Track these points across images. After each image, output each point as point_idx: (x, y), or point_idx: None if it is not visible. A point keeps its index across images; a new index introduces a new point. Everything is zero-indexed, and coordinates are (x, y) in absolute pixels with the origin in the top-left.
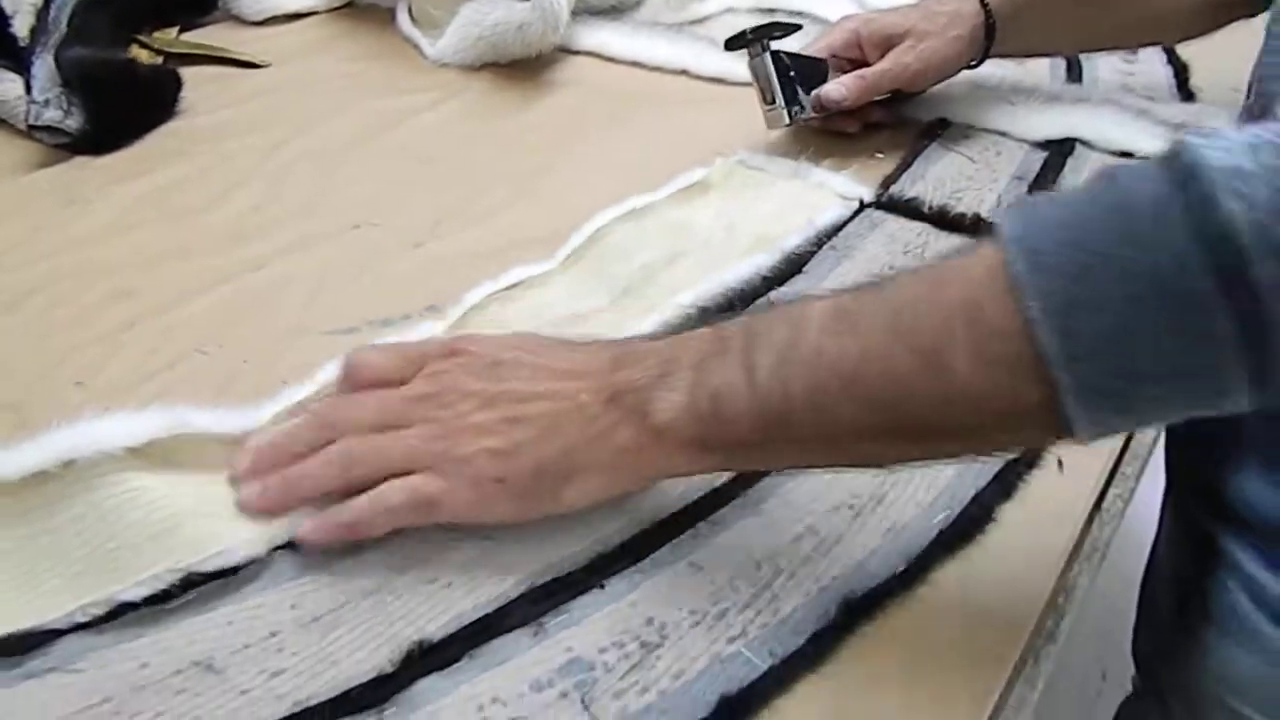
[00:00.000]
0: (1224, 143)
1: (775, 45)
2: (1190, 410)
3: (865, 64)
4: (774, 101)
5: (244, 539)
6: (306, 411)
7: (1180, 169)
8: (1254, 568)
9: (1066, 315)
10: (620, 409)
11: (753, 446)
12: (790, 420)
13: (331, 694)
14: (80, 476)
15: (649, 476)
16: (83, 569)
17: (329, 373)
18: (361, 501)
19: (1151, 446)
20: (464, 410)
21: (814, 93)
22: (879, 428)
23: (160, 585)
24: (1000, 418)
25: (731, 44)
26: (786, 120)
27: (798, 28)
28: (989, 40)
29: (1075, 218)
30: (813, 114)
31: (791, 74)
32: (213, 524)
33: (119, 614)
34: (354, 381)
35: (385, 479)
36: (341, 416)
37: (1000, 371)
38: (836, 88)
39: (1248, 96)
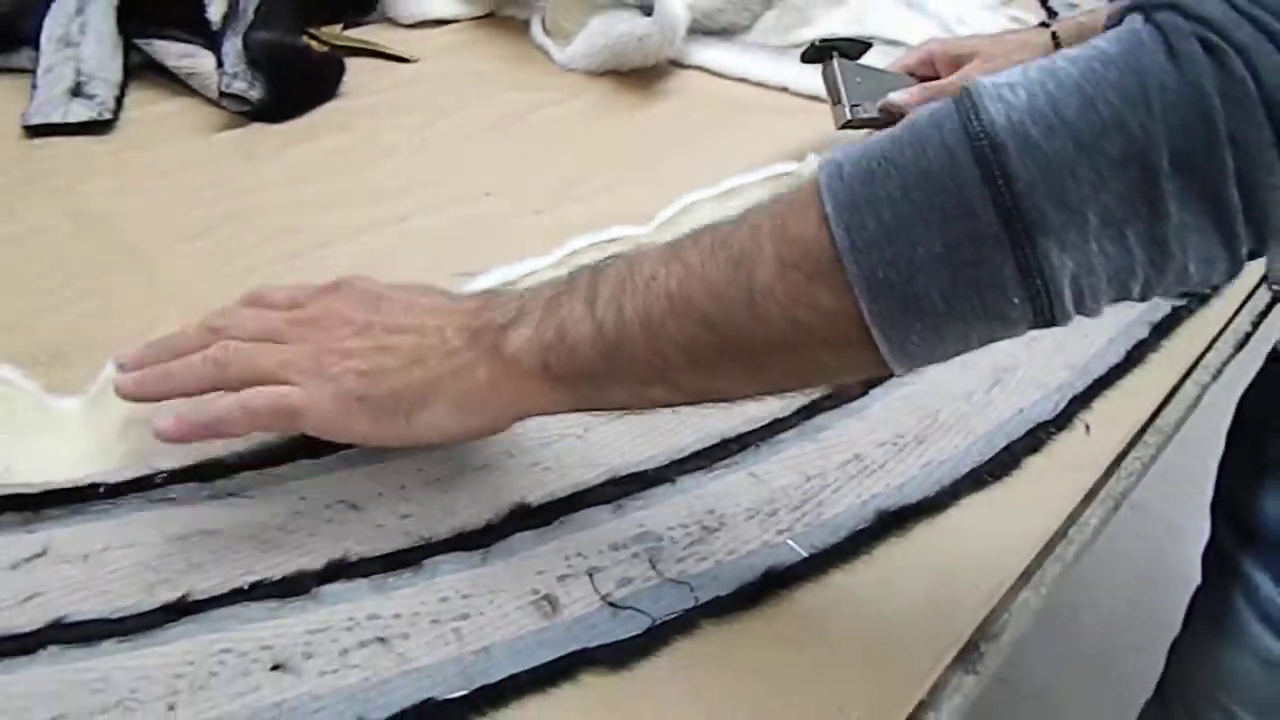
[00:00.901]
0: (1006, 73)
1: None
2: (974, 310)
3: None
4: (839, 101)
5: None
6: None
7: (963, 92)
8: (1252, 570)
9: (852, 211)
10: (479, 347)
11: (595, 376)
12: (624, 345)
13: (449, 534)
14: None
15: (502, 414)
16: None
17: None
18: (226, 401)
19: (1178, 423)
20: (339, 335)
21: (881, 100)
22: (703, 344)
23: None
24: (806, 326)
25: (806, 57)
26: (847, 115)
27: (868, 45)
28: None
29: (878, 142)
30: (877, 115)
31: (858, 80)
32: None
33: (278, 458)
34: (248, 303)
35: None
36: (226, 324)
37: (798, 273)
38: (901, 94)
39: None
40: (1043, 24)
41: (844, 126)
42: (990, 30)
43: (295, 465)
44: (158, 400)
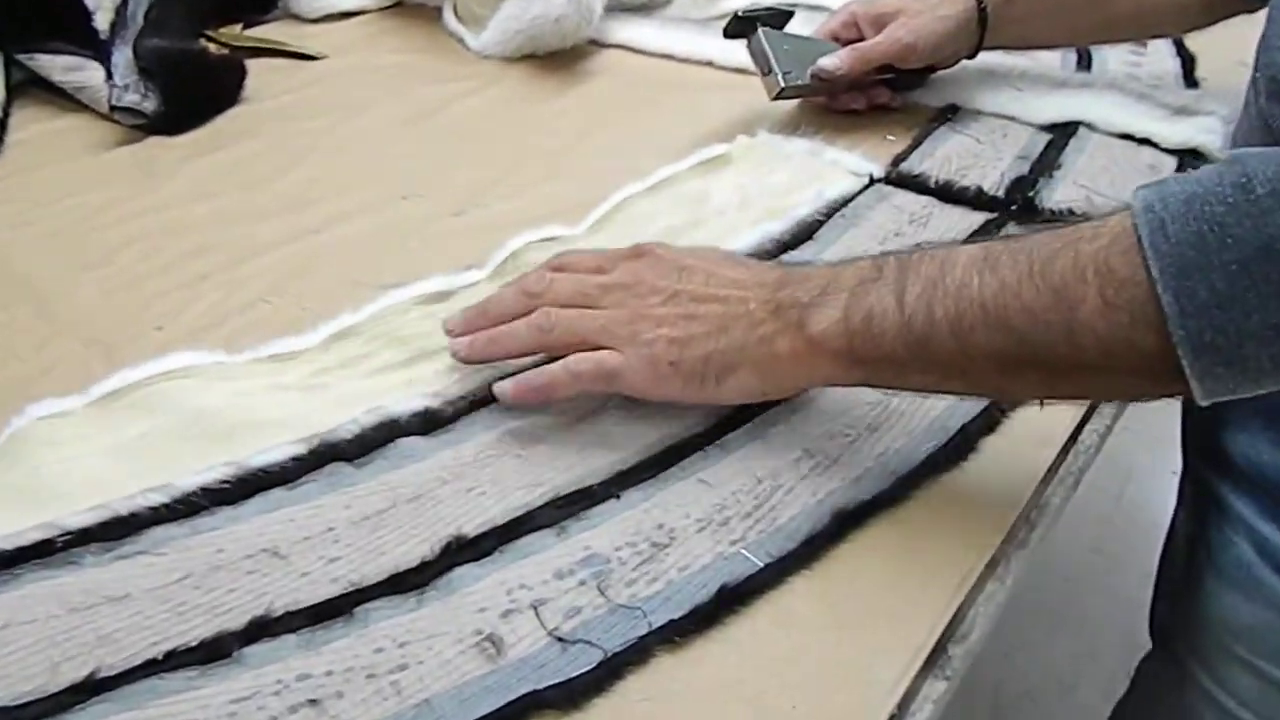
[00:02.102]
0: None
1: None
2: None
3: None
4: (770, 71)
5: (288, 440)
6: (512, 285)
7: None
8: (1258, 521)
9: (1183, 277)
10: (782, 320)
11: (897, 364)
12: (931, 342)
13: (380, 577)
14: (148, 399)
15: (800, 383)
16: (150, 465)
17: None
18: (554, 367)
19: None
20: (651, 302)
21: (812, 67)
22: (1011, 356)
23: (216, 476)
24: (1121, 359)
25: (729, 31)
26: (781, 83)
27: (790, 14)
28: (982, 28)
29: (1200, 192)
30: (810, 82)
31: (786, 48)
32: (261, 430)
33: (192, 509)
34: (556, 269)
35: (573, 352)
36: (543, 289)
37: (1122, 315)
38: (831, 59)
39: (1254, 69)
40: None
41: (778, 97)
42: None
43: (211, 514)
44: (487, 361)
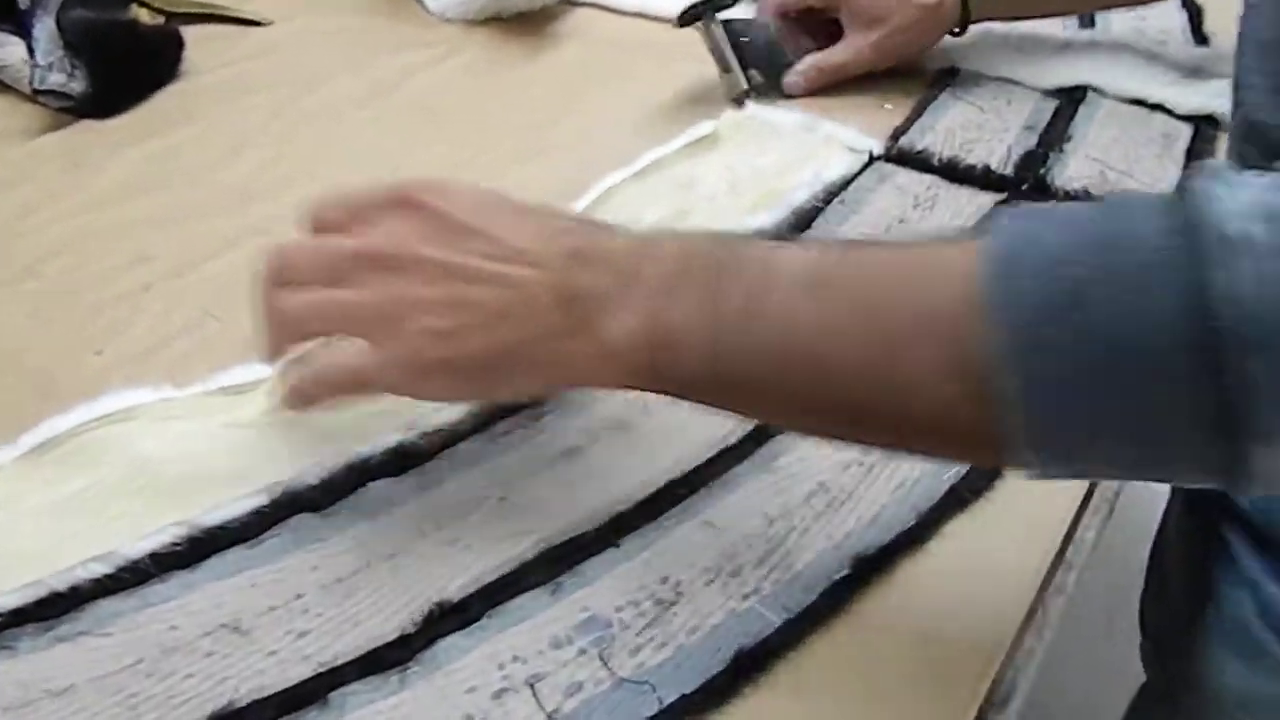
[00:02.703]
0: (1242, 197)
1: (726, 15)
2: (1147, 478)
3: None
4: (729, 69)
5: (243, 493)
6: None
7: (1185, 218)
8: (1265, 582)
9: (1031, 356)
10: (572, 315)
11: (702, 389)
12: (743, 375)
13: (356, 654)
14: (85, 449)
15: (597, 386)
16: (91, 527)
17: None
18: (305, 376)
19: None
20: (414, 281)
21: (785, 82)
22: (827, 402)
23: (166, 539)
24: (948, 430)
25: (684, 20)
26: (744, 85)
27: None
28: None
29: (1066, 245)
30: (765, 81)
31: (745, 39)
32: (214, 481)
33: (140, 577)
34: (305, 227)
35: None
36: (279, 267)
37: (953, 386)
38: (795, 80)
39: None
40: None
41: (737, 98)
42: None
43: (162, 580)
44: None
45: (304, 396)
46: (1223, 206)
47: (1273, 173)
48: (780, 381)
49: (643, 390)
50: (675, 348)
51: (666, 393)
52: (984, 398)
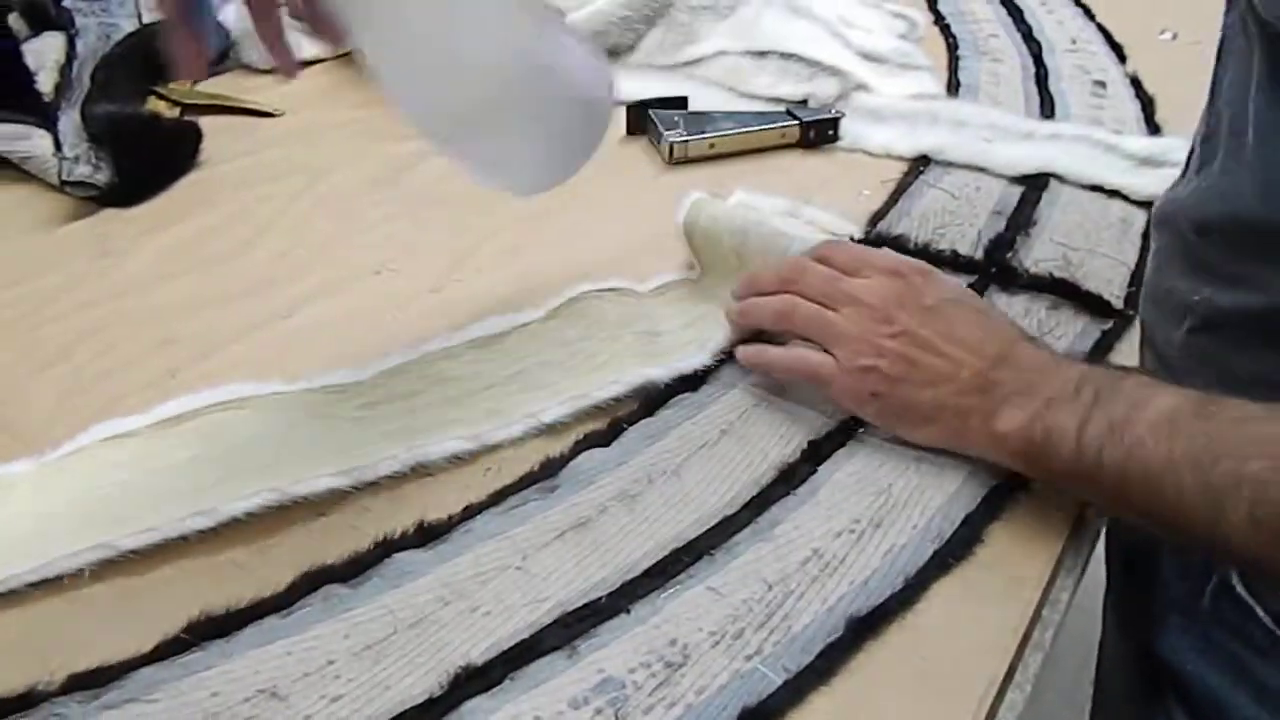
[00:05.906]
0: None
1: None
2: None
3: None
4: (659, 141)
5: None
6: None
7: None
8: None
9: None
10: (983, 399)
11: (1064, 481)
12: (1094, 478)
13: (387, 717)
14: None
15: (986, 457)
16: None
17: None
18: (780, 352)
19: None
20: (881, 331)
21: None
22: (1161, 522)
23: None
24: (1257, 563)
25: (630, 129)
26: (670, 142)
27: (683, 100)
28: None
29: None
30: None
31: (676, 118)
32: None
33: (181, 646)
34: (819, 258)
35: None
36: (797, 277)
37: (1265, 534)
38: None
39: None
40: None
41: (673, 160)
42: (879, 29)
43: (203, 650)
44: (744, 326)
45: (774, 369)
46: None
47: None
48: (1121, 495)
49: (1021, 472)
50: (1045, 446)
51: (1038, 478)
52: None
